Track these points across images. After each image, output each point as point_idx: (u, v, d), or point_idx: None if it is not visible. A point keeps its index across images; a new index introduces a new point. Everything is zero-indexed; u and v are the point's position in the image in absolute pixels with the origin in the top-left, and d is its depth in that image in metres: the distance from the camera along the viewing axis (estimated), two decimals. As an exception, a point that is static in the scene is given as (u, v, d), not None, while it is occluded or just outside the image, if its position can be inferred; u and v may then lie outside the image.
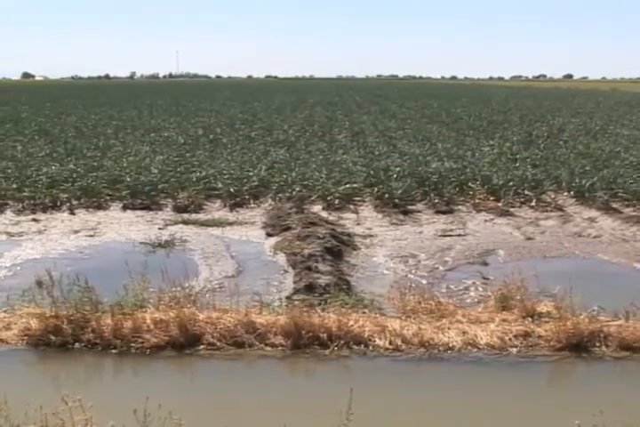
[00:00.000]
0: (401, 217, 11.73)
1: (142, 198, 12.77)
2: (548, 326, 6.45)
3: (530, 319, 6.66)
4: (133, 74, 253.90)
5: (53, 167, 15.10)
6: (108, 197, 12.94)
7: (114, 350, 6.23)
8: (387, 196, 12.70)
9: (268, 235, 10.48)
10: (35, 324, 6.49)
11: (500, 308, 6.99)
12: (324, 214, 11.75)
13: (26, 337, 6.43)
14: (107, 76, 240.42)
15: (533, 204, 12.58)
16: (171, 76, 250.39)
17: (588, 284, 7.65)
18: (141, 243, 9.95)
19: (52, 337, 6.36)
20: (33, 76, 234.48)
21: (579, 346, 6.23)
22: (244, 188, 13.25)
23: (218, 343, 6.28)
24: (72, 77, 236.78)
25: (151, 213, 12.05)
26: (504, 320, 6.66)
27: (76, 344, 6.33)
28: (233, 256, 9.31)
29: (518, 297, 6.98)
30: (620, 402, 5.35)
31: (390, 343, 6.24)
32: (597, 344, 6.27)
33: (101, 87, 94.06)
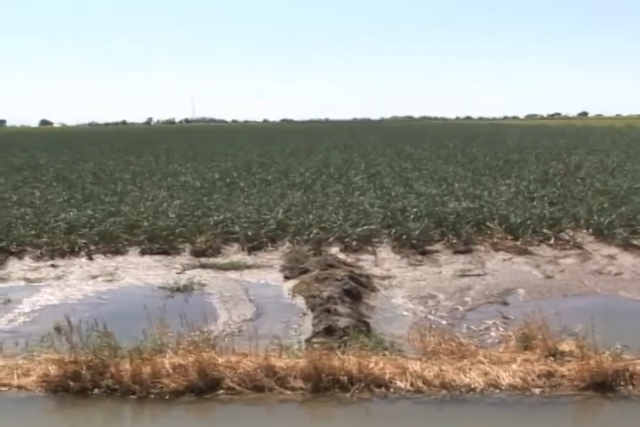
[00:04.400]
0: (419, 258, 11.72)
1: (160, 243, 12.84)
2: (571, 366, 6.39)
3: (552, 359, 6.60)
4: (150, 119, 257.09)
5: (71, 213, 15.23)
6: (125, 242, 13.01)
7: (133, 396, 6.23)
8: (404, 237, 12.70)
9: (287, 278, 10.49)
10: (53, 370, 6.50)
11: (522, 347, 6.93)
12: (342, 256, 11.76)
13: (44, 383, 6.44)
14: (124, 122, 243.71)
15: (552, 242, 12.54)
16: (187, 121, 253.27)
17: (611, 322, 7.58)
18: (160, 287, 9.99)
19: (71, 383, 6.37)
20: (51, 124, 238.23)
21: (603, 385, 6.15)
22: (262, 231, 13.30)
23: (237, 388, 6.26)
24: (89, 124, 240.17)
25: (169, 257, 12.11)
26: (526, 360, 6.60)
27: (95, 390, 6.33)
28: (251, 300, 9.33)
29: (540, 336, 6.93)
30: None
31: (411, 385, 6.20)
32: (623, 383, 6.20)
33: (118, 133, 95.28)
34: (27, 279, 10.69)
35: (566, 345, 6.83)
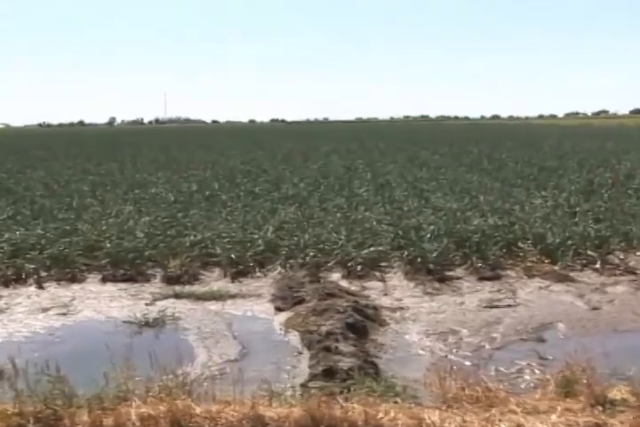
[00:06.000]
0: (437, 285, 11.72)
1: (125, 268, 12.83)
2: (624, 417, 6.35)
3: (600, 408, 6.55)
4: (113, 119, 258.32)
5: (17, 233, 15.22)
6: (84, 268, 13.00)
7: (92, 454, 6.19)
8: (419, 260, 12.70)
9: (278, 309, 10.49)
10: (-5, 423, 6.46)
11: (563, 394, 6.91)
12: (345, 284, 11.77)
13: (-16, 440, 6.41)
14: (81, 123, 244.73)
15: (598, 266, 12.54)
16: (158, 121, 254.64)
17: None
18: (125, 322, 9.98)
19: (17, 439, 6.33)
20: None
21: (665, 442, 6.12)
22: (248, 253, 13.30)
23: (219, 443, 6.23)
24: (39, 125, 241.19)
25: (136, 285, 12.10)
26: (568, 410, 6.57)
27: (46, 447, 6.29)
28: (236, 336, 9.32)
29: (584, 381, 6.90)
30: None
31: (429, 440, 6.17)
32: (689, 439, 6.17)
33: (75, 136, 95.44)
34: (-37, 313, 10.67)
35: (617, 392, 6.80)
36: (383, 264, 13.03)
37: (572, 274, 12.19)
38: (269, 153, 42.83)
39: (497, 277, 12.04)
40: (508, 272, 12.40)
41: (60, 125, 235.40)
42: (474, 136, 65.44)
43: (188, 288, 11.75)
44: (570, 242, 13.44)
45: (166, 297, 11.29)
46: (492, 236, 14.06)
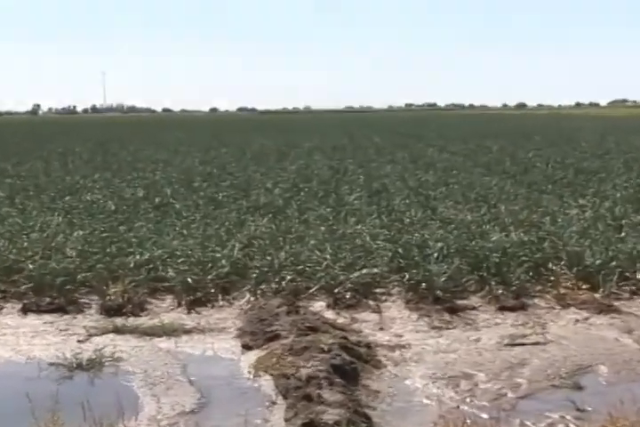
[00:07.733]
0: (446, 317, 11.73)
1: (53, 296, 12.76)
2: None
3: (653, 473, 6.60)
4: (37, 107, 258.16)
5: None
6: (-1, 295, 12.97)
7: None
8: (424, 285, 12.71)
9: (246, 347, 10.47)
10: None
11: (605, 455, 6.94)
12: (330, 315, 11.78)
13: None
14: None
15: (650, 294, 12.60)
16: (95, 109, 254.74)
17: None
18: (51, 364, 9.90)
19: None
20: None
21: None
22: (209, 277, 13.28)
23: None
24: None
25: (66, 317, 12.05)
26: (611, 474, 6.60)
27: None
28: (192, 381, 9.28)
29: (633, 438, 6.94)
30: None
31: None
32: None
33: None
34: None
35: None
36: (379, 290, 13.02)
37: (616, 304, 12.22)
38: (236, 150, 42.86)
39: (522, 308, 12.06)
40: (536, 301, 12.42)
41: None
42: (493, 130, 65.72)
43: (132, 321, 11.71)
44: (614, 263, 13.43)
45: (104, 332, 11.24)
46: (515, 255, 14.06)
